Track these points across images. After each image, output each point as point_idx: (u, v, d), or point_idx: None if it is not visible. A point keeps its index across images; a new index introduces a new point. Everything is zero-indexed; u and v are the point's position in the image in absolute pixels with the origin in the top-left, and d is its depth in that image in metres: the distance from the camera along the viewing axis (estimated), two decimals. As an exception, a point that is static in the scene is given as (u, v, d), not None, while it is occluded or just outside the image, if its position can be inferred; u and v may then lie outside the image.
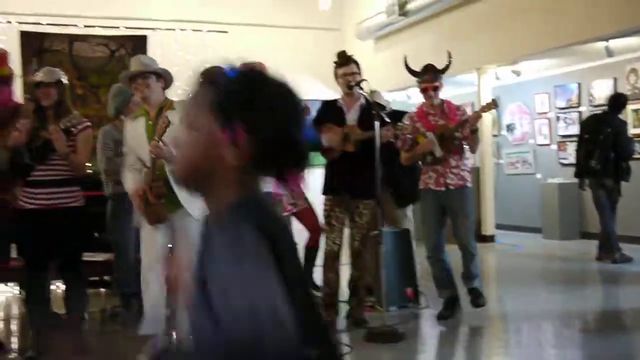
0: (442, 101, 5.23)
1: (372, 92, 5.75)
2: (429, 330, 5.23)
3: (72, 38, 10.25)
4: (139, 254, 4.90)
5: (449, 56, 5.29)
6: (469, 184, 5.23)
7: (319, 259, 6.24)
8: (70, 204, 4.26)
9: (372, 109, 4.74)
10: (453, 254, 5.32)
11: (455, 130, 5.06)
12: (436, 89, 5.16)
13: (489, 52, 9.64)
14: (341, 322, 5.04)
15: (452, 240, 5.29)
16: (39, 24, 10.18)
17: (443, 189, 5.12)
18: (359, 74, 4.96)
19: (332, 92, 5.07)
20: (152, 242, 4.12)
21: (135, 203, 4.10)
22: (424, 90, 5.17)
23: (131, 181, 4.15)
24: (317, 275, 6.17)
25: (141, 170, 4.15)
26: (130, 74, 4.15)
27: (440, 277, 5.25)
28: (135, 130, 4.17)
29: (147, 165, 4.11)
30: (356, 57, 5.11)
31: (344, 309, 5.14)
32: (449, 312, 5.23)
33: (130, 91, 4.48)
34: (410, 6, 10.57)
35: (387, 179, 5.19)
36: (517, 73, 10.18)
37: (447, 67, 5.25)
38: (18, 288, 6.38)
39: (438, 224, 5.21)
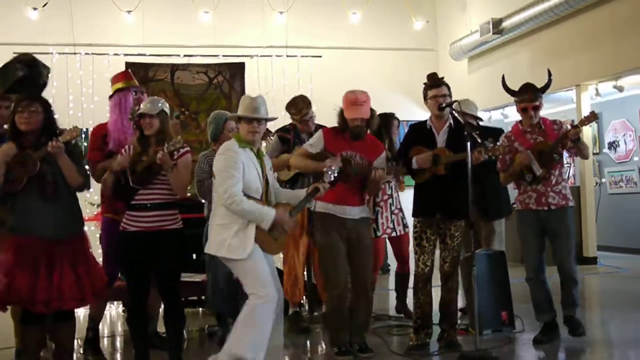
0: (539, 118, 5.14)
1: (463, 101, 5.72)
2: (525, 355, 5.08)
3: (174, 67, 10.72)
4: (232, 274, 5.06)
5: (549, 74, 5.17)
6: (571, 203, 5.09)
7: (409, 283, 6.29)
8: (170, 227, 4.45)
9: (462, 130, 4.70)
10: (551, 276, 5.17)
11: (555, 147, 4.95)
12: (537, 108, 5.06)
13: (589, 68, 9.37)
14: (434, 345, 4.99)
15: (550, 262, 5.15)
16: (143, 54, 10.73)
17: (545, 208, 5.01)
18: (450, 96, 4.94)
19: (427, 113, 5.06)
20: (266, 272, 4.10)
21: (289, 226, 4.15)
22: (524, 110, 5.08)
23: (263, 207, 4.11)
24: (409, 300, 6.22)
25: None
26: (246, 118, 4.19)
27: (539, 300, 5.11)
28: (249, 162, 4.16)
29: (253, 197, 4.12)
30: (450, 77, 5.09)
31: (436, 332, 5.07)
32: (546, 337, 5.08)
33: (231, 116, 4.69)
34: (505, 24, 10.43)
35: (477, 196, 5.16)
36: (620, 88, 9.79)
37: (547, 86, 5.14)
38: (122, 307, 6.71)
39: (539, 245, 5.09)
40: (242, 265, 4.06)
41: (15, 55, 5.12)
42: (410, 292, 6.18)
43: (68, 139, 4.19)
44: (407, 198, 5.83)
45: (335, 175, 4.34)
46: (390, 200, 5.95)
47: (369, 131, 4.92)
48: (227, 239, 4.08)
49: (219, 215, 4.15)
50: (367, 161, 4.82)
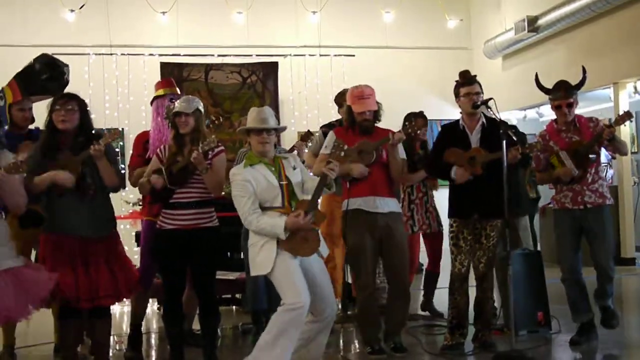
0: (573, 116, 5.07)
1: None
2: (562, 356, 5.01)
3: (208, 67, 10.80)
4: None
5: (584, 71, 5.10)
6: (609, 201, 5.00)
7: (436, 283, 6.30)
8: (206, 224, 4.48)
9: (496, 128, 4.66)
10: (588, 277, 5.09)
11: (590, 147, 4.88)
12: (570, 105, 4.97)
13: (627, 65, 9.19)
14: (468, 345, 4.95)
15: (587, 262, 5.08)
16: (178, 55, 10.83)
17: (581, 207, 4.93)
18: (482, 94, 4.90)
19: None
20: (295, 278, 4.02)
21: (304, 226, 4.04)
22: (557, 107, 5.01)
23: (272, 218, 4.08)
24: (438, 300, 6.20)
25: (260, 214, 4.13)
26: (255, 129, 4.19)
27: (576, 301, 5.04)
28: (259, 176, 4.14)
29: (273, 206, 4.12)
30: (484, 75, 5.05)
31: (471, 332, 5.03)
32: (583, 338, 5.00)
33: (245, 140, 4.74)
34: (541, 22, 10.30)
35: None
36: (660, 86, 9.61)
37: (581, 83, 5.05)
38: (157, 304, 6.77)
39: (574, 245, 5.00)
40: (273, 277, 4.07)
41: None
42: (437, 292, 6.21)
43: (108, 141, 4.27)
44: (440, 196, 5.81)
45: (343, 148, 4.22)
46: (425, 198, 5.99)
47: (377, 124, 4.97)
48: (255, 257, 4.15)
49: (250, 236, 4.23)
50: (382, 149, 4.83)
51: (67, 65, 5.27)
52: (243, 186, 4.12)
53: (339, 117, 5.97)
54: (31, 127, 5.10)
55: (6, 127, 5.04)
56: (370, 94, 4.86)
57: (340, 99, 5.94)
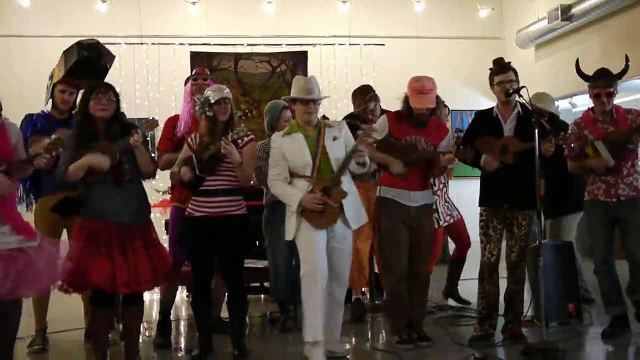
0: (612, 107, 4.95)
1: (537, 95, 5.57)
2: (593, 349, 4.94)
3: (238, 57, 10.82)
4: (292, 261, 5.12)
5: (627, 60, 4.96)
6: None
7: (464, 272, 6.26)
8: (235, 212, 4.49)
9: (531, 117, 4.58)
10: (622, 270, 5.00)
11: (628, 137, 4.77)
12: (611, 95, 4.85)
13: (664, 55, 8.99)
14: (498, 336, 4.89)
15: (620, 255, 4.99)
16: (208, 44, 10.87)
17: (614, 200, 4.84)
18: (517, 82, 4.81)
19: (493, 104, 4.95)
20: (312, 249, 4.26)
21: (311, 205, 4.27)
22: (597, 96, 4.88)
23: (292, 189, 4.36)
24: (463, 289, 6.15)
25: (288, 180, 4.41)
26: (301, 99, 4.35)
27: (608, 293, 4.96)
28: (293, 145, 4.38)
29: (304, 175, 4.31)
30: (517, 65, 4.95)
31: (501, 322, 4.98)
32: (616, 331, 4.92)
33: (286, 106, 4.87)
34: (575, 10, 10.11)
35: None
36: (698, 76, 9.37)
37: (624, 72, 4.92)
38: (186, 292, 6.82)
39: (607, 236, 4.92)
40: (298, 244, 4.36)
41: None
42: (467, 283, 6.16)
43: (148, 131, 4.30)
44: (459, 188, 5.80)
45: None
46: (445, 190, 5.96)
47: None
48: (287, 222, 4.42)
49: None
50: (432, 145, 4.77)
51: (111, 54, 5.35)
52: (273, 154, 4.44)
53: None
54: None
55: (47, 109, 5.12)
56: (430, 90, 4.71)
57: (354, 100, 5.96)
